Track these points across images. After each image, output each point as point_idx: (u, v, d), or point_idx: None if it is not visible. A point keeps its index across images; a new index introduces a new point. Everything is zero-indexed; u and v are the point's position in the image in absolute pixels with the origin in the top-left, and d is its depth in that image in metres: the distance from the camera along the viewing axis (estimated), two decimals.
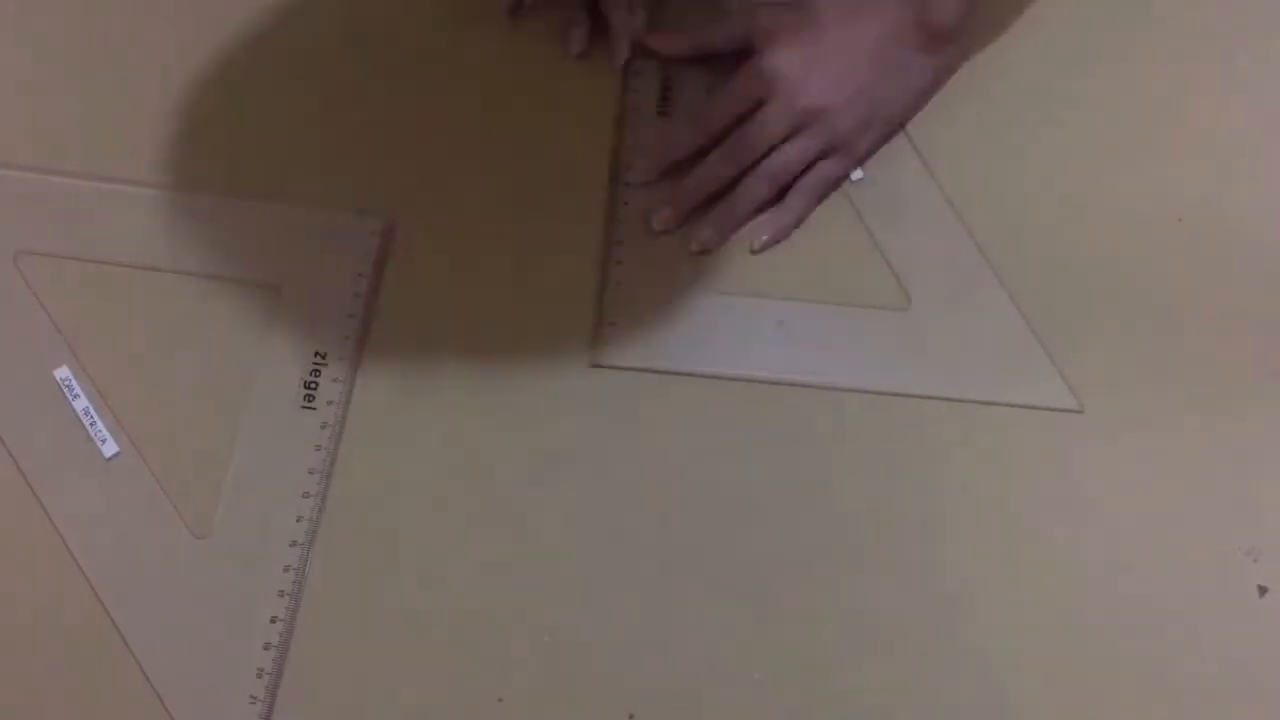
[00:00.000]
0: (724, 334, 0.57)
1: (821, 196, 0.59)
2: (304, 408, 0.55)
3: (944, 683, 0.50)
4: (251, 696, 0.50)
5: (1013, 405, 0.55)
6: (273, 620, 0.51)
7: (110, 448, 0.53)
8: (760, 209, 0.58)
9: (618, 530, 0.53)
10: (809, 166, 0.58)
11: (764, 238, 0.58)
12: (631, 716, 0.50)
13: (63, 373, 0.55)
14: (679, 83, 0.62)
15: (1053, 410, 0.55)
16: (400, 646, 0.51)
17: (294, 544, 0.52)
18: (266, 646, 0.50)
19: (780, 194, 0.58)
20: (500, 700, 0.50)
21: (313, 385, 0.55)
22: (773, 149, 0.57)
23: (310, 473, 0.53)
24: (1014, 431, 0.55)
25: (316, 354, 0.56)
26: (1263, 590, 0.52)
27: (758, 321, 0.57)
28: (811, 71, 0.57)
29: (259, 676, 0.50)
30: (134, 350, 0.56)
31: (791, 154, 0.57)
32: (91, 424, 0.54)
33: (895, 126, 0.60)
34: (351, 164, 0.60)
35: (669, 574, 0.52)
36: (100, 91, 0.62)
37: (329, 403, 0.55)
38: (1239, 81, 0.63)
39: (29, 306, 0.56)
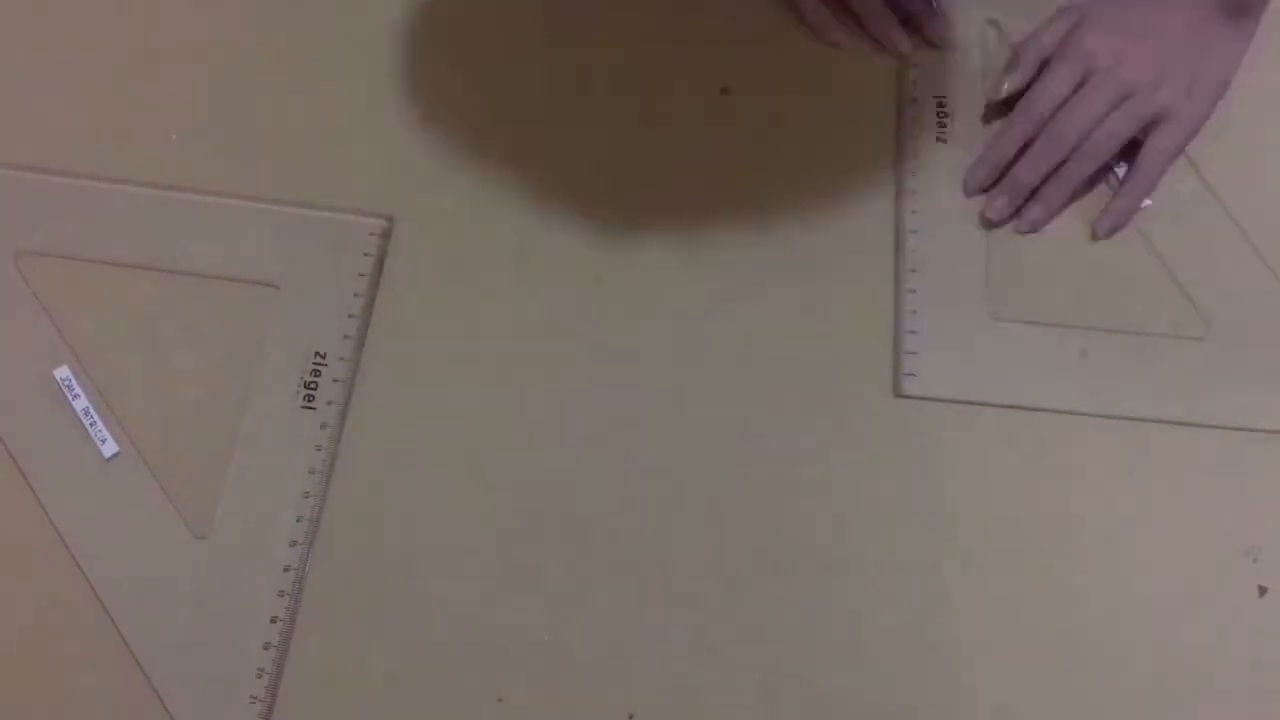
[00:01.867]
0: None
1: (1161, 173, 0.60)
2: (304, 408, 0.55)
3: (943, 682, 0.50)
4: (251, 696, 0.50)
5: None
6: (273, 620, 0.51)
7: (110, 448, 0.53)
8: (1086, 184, 0.59)
9: (618, 528, 0.53)
10: (1138, 143, 0.59)
11: (1107, 224, 0.59)
12: (631, 716, 0.50)
13: (63, 373, 0.55)
14: (955, 107, 0.62)
15: None
16: (400, 646, 0.51)
17: (294, 544, 0.52)
18: (266, 646, 0.50)
19: (1104, 171, 0.60)
20: (500, 700, 0.50)
21: (313, 385, 0.55)
22: (1096, 126, 0.58)
23: (310, 473, 0.53)
24: None
25: (316, 354, 0.56)
26: (1263, 590, 0.52)
27: (1060, 351, 0.56)
28: (1127, 47, 0.59)
29: (259, 676, 0.50)
30: (134, 350, 0.56)
31: (1115, 128, 0.59)
32: (91, 424, 0.54)
33: (1214, 95, 0.61)
34: (351, 164, 0.60)
35: (669, 573, 0.52)
36: (100, 91, 0.62)
37: (329, 403, 0.55)
38: None
39: (29, 306, 0.56)
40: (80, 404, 0.54)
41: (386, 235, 0.59)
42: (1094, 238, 0.59)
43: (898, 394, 0.55)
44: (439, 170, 0.60)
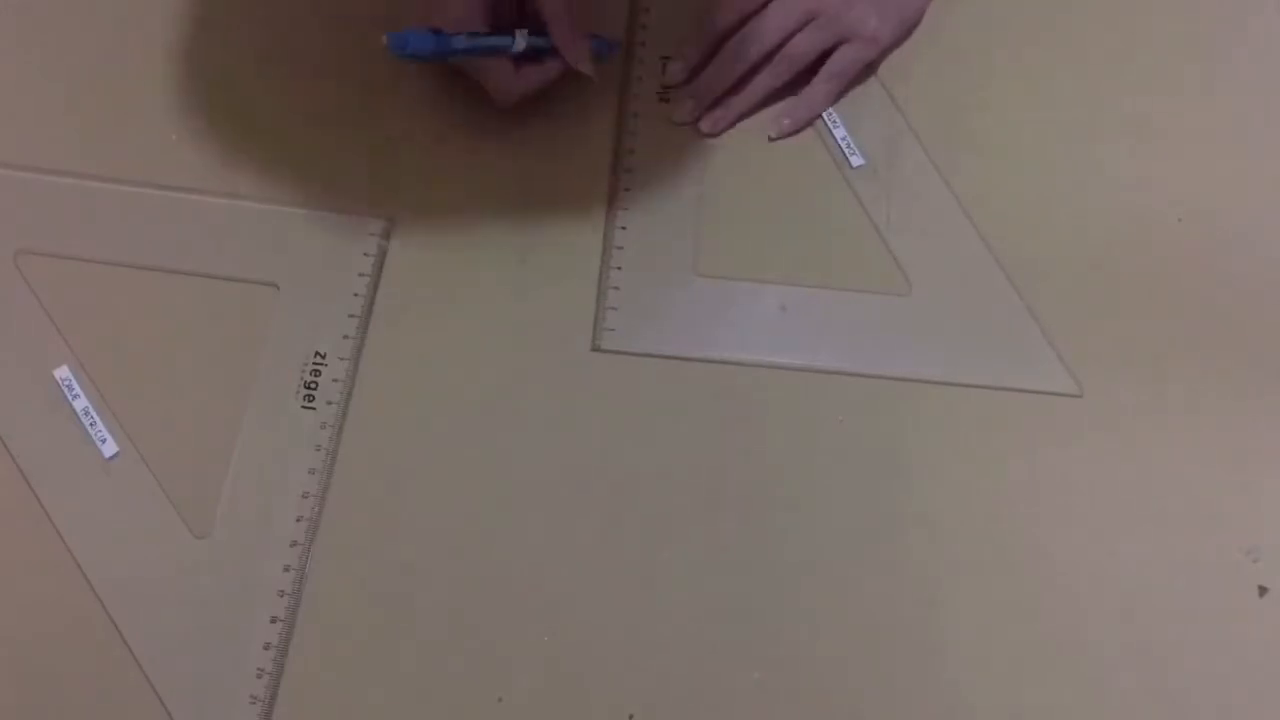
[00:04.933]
0: (727, 318, 0.57)
1: (844, 85, 0.61)
2: (304, 408, 0.55)
3: (942, 681, 0.50)
4: (251, 696, 0.50)
5: (1012, 390, 0.55)
6: (273, 620, 0.51)
7: (110, 448, 0.53)
8: (774, 97, 0.61)
9: (618, 528, 0.53)
10: (826, 56, 0.60)
11: (785, 123, 0.61)
12: (631, 717, 0.50)
13: (63, 373, 0.55)
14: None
15: (1052, 394, 0.55)
16: (400, 647, 0.51)
17: (294, 544, 0.52)
18: (266, 646, 0.50)
19: (794, 86, 0.61)
20: (500, 700, 0.50)
21: (313, 385, 0.55)
22: (783, 43, 0.60)
23: (310, 473, 0.53)
24: (1014, 415, 0.55)
25: (316, 354, 0.56)
26: (1263, 590, 0.52)
27: (760, 305, 0.57)
28: None
29: (259, 676, 0.50)
30: (134, 350, 0.56)
31: (800, 45, 0.60)
32: (91, 424, 0.54)
33: (905, 18, 0.62)
34: (351, 164, 0.60)
35: (669, 572, 0.52)
36: (100, 91, 0.62)
37: (329, 403, 0.55)
38: (1239, 80, 0.63)
39: (29, 306, 0.56)
40: (80, 404, 0.54)
41: (386, 235, 0.59)
42: (770, 138, 0.60)
43: (595, 348, 0.56)
44: (439, 170, 0.60)
